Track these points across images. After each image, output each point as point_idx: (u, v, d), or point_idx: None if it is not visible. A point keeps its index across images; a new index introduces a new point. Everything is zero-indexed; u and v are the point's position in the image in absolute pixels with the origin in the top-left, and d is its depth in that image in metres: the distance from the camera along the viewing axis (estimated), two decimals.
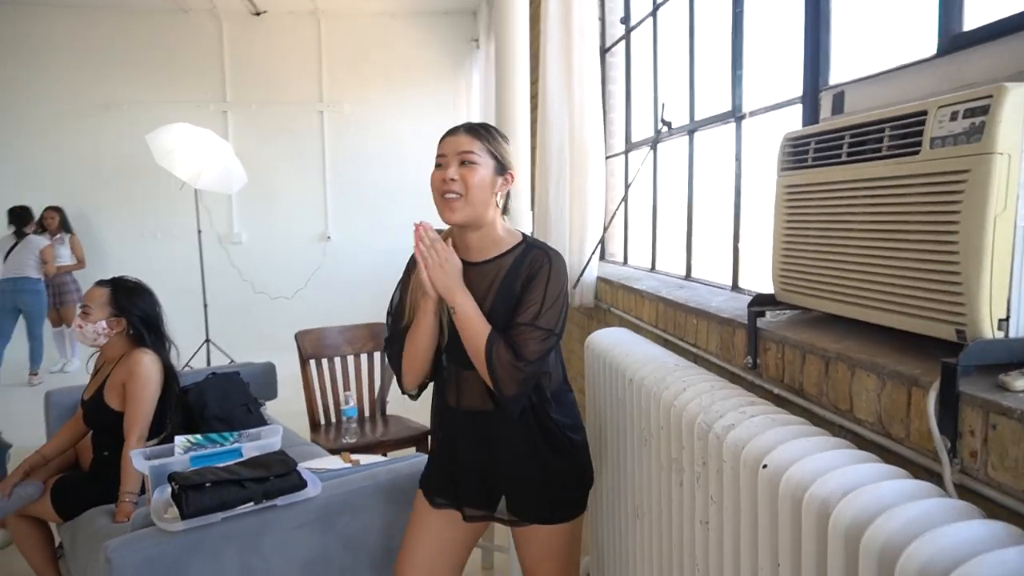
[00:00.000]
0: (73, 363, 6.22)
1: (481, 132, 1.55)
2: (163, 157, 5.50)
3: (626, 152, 3.23)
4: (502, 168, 1.55)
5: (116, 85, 6.78)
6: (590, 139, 2.78)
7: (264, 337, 6.27)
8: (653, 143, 2.70)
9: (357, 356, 3.23)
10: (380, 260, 6.86)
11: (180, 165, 5.51)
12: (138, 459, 1.87)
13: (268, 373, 3.19)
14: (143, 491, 2.16)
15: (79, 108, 6.75)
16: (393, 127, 7.10)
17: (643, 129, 3.08)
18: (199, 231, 6.00)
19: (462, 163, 1.50)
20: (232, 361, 5.31)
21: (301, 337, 3.11)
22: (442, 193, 1.51)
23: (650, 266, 2.82)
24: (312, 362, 3.13)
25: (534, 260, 1.53)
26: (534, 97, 3.20)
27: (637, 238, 3.19)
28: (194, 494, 1.53)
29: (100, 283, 2.40)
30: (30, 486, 2.30)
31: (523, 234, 1.62)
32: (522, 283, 1.52)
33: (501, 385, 1.46)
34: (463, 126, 1.56)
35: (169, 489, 1.62)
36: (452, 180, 1.49)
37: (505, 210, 1.62)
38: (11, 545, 2.76)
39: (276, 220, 7.13)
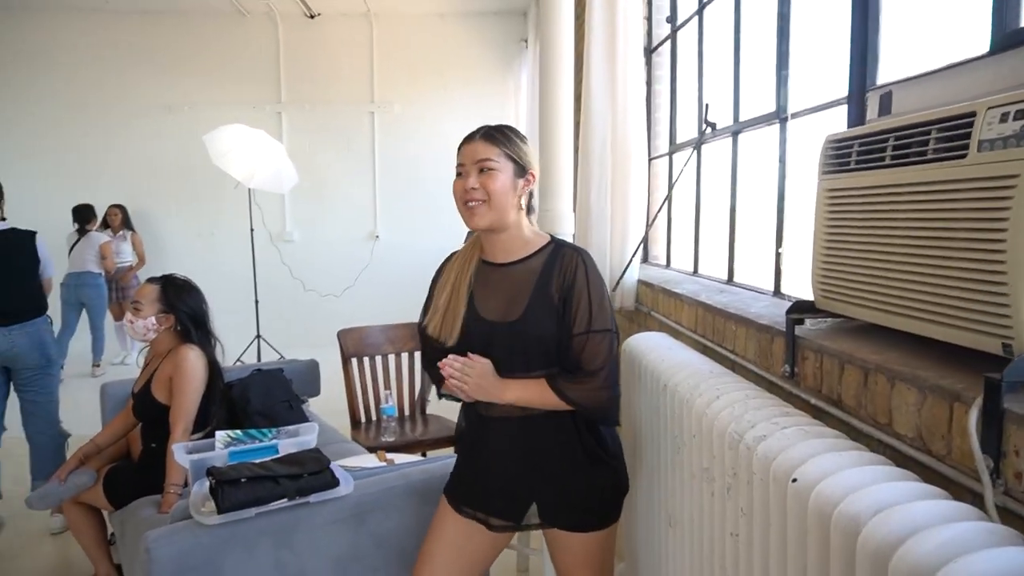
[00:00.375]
0: (132, 355, 6.46)
1: (498, 137, 1.54)
2: (219, 157, 5.66)
3: (670, 153, 3.18)
4: (522, 170, 1.54)
5: (177, 87, 7.02)
6: (633, 140, 2.75)
7: (313, 334, 6.39)
8: (697, 144, 2.65)
9: (398, 355, 3.26)
10: (427, 259, 6.87)
11: (235, 165, 5.67)
12: (180, 453, 1.92)
13: (312, 370, 3.25)
14: (188, 483, 2.22)
15: (143, 110, 7.01)
16: (442, 127, 7.15)
17: (688, 130, 3.03)
18: (252, 230, 6.15)
19: (481, 171, 1.51)
20: (281, 357, 5.43)
21: (343, 336, 3.16)
22: (464, 202, 1.52)
23: (692, 269, 2.77)
24: (354, 360, 3.17)
25: (567, 262, 1.53)
26: (578, 99, 3.18)
27: (680, 241, 3.14)
28: (230, 489, 1.57)
29: (151, 280, 2.48)
30: (84, 474, 2.40)
31: (550, 235, 1.62)
32: (559, 287, 1.51)
33: (596, 406, 1.50)
34: (480, 131, 1.55)
35: (207, 483, 1.66)
36: (473, 189, 1.50)
37: (530, 210, 1.61)
38: (67, 531, 2.88)
39: (327, 219, 7.28)
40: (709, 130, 2.47)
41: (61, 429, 3.22)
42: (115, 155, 7.00)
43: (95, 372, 6.06)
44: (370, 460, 2.21)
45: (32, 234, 3.18)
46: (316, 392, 3.26)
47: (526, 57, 6.83)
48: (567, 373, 1.51)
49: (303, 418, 2.69)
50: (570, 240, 2.63)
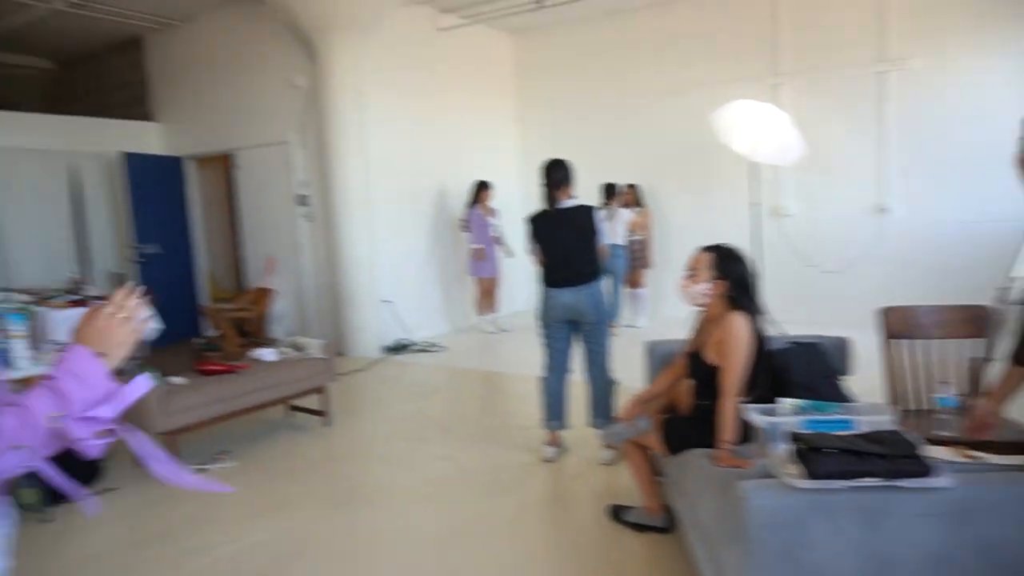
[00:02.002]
0: (640, 320, 7.19)
1: None
2: (724, 133, 5.81)
3: None
4: None
5: (676, 71, 7.50)
6: None
7: (814, 311, 6.14)
8: None
9: (948, 341, 2.85)
10: (947, 233, 5.98)
11: (739, 140, 5.74)
12: (753, 415, 2.01)
13: (842, 347, 3.09)
14: (740, 442, 2.32)
15: (648, 96, 7.70)
16: (974, 79, 6.03)
17: None
18: (753, 204, 6.15)
19: None
20: (785, 334, 5.35)
21: (887, 313, 2.91)
22: None
23: None
24: (896, 341, 2.89)
25: None
26: None
27: None
28: (820, 458, 1.57)
29: (705, 249, 2.65)
30: (642, 420, 2.73)
31: None
32: None
33: None
34: None
35: (789, 447, 1.69)
36: None
37: None
38: (613, 463, 3.35)
39: (825, 192, 6.88)
40: None
41: (612, 376, 3.75)
42: (630, 137, 7.84)
43: (611, 332, 6.92)
44: (941, 452, 1.97)
45: (592, 208, 3.73)
46: (847, 371, 3.08)
47: None
48: None
49: (845, 396, 2.56)
50: None
